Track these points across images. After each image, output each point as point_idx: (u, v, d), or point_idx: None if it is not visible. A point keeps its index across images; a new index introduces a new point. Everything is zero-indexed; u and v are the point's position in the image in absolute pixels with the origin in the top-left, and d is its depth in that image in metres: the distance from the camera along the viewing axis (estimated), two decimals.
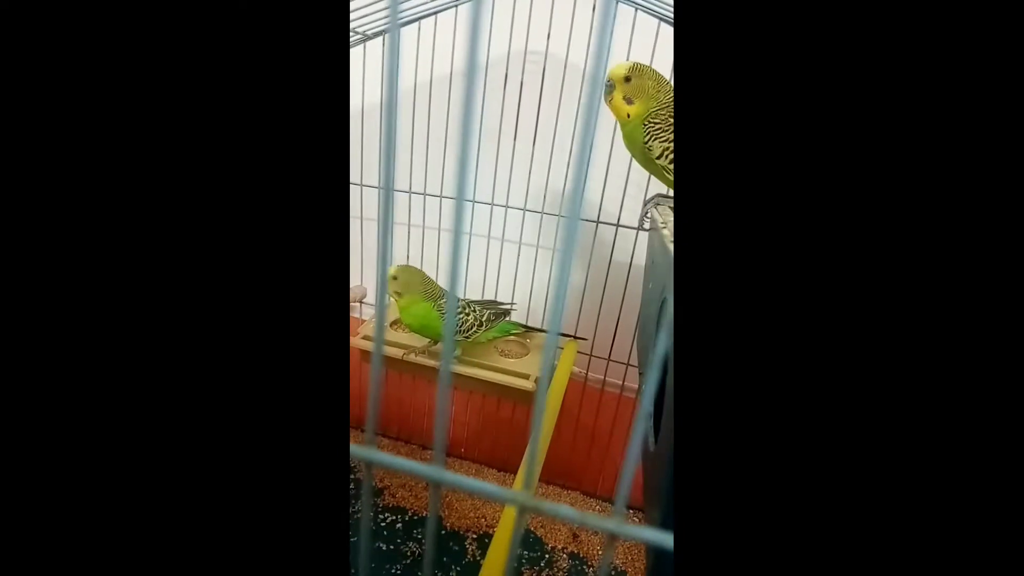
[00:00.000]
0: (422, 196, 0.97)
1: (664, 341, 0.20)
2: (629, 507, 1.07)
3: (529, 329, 0.91)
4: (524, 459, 0.66)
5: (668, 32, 0.75)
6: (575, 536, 0.99)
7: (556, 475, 1.11)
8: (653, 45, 0.77)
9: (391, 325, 0.93)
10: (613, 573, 0.94)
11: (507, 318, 0.88)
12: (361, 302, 1.08)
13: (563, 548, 0.97)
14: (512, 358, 0.88)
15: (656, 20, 0.77)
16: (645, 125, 0.60)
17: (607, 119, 0.83)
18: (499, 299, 0.93)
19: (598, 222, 0.90)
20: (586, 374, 0.99)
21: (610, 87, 0.60)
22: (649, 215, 0.67)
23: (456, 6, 0.83)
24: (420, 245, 1.02)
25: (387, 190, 0.18)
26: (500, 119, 0.89)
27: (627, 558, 0.97)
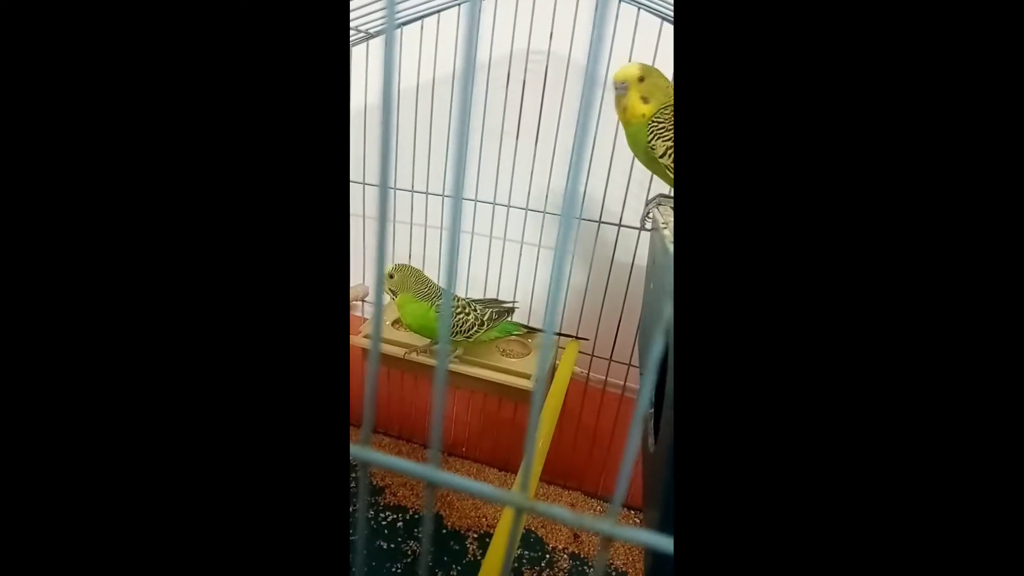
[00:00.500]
0: (424, 195, 0.97)
1: (661, 342, 0.20)
2: (629, 507, 1.07)
3: (531, 329, 0.91)
4: (522, 460, 0.66)
5: (670, 31, 0.75)
6: (576, 536, 0.99)
7: (557, 475, 1.11)
8: (655, 45, 0.77)
9: (393, 324, 0.93)
10: (613, 574, 0.94)
11: (509, 318, 0.88)
12: (363, 301, 1.08)
13: (564, 548, 0.96)
14: (513, 358, 0.88)
15: (659, 20, 0.76)
16: (650, 125, 0.60)
17: (609, 119, 0.83)
18: (501, 298, 0.93)
19: (600, 222, 0.89)
20: (587, 374, 0.99)
21: (624, 88, 0.60)
22: (651, 215, 0.67)
23: (459, 5, 0.83)
24: (423, 244, 1.02)
25: (383, 188, 0.17)
26: (502, 118, 0.89)
27: (627, 559, 0.97)
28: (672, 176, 0.62)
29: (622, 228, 0.88)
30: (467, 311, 0.81)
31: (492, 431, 1.13)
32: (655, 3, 0.73)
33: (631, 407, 0.98)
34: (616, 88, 0.61)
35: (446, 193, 0.95)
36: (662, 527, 0.49)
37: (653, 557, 0.53)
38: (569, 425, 1.03)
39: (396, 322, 0.92)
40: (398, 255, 1.03)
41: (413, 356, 0.83)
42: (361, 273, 1.07)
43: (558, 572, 0.92)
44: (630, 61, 0.78)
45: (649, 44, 0.77)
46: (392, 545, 0.94)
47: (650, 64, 0.63)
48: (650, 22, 0.77)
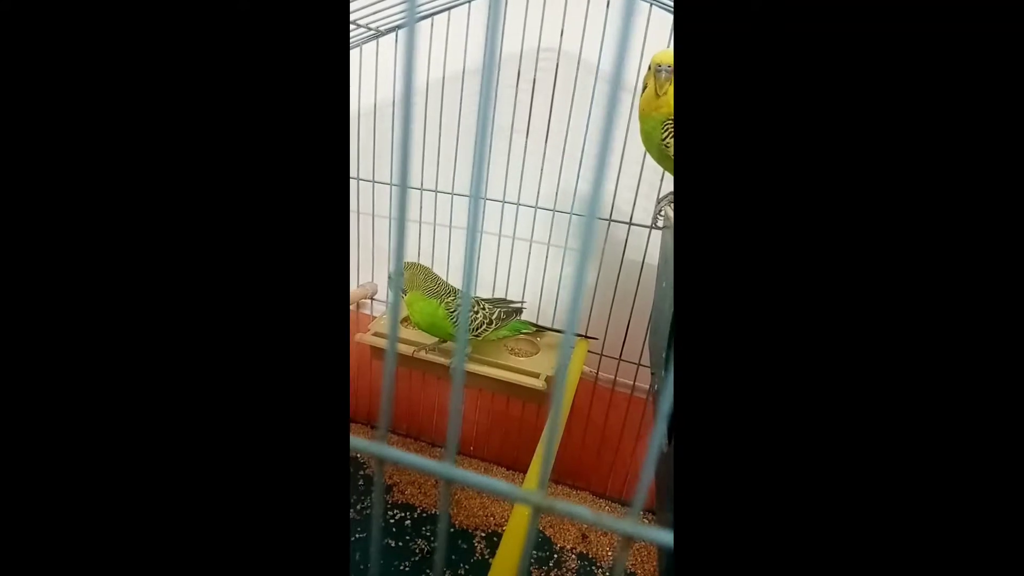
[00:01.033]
0: (433, 193, 0.97)
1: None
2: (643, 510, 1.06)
3: (540, 328, 0.91)
4: (537, 457, 0.66)
5: None
6: (584, 536, 0.99)
7: (565, 475, 1.11)
8: (668, 41, 0.76)
9: (402, 322, 0.93)
10: (625, 575, 0.93)
11: (518, 316, 0.88)
12: (372, 299, 1.09)
13: (572, 548, 0.96)
14: (522, 356, 0.88)
15: (670, 15, 0.76)
16: (665, 123, 0.60)
17: (620, 117, 0.83)
18: (510, 297, 0.93)
19: (611, 220, 0.89)
20: (596, 373, 0.99)
21: (668, 71, 0.58)
22: (663, 213, 0.67)
23: (469, 2, 0.83)
24: (431, 242, 1.02)
25: (402, 187, 0.17)
26: (512, 116, 0.89)
27: (637, 559, 0.96)
28: None
29: (632, 227, 0.88)
30: (476, 309, 0.81)
31: (500, 430, 1.13)
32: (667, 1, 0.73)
33: (640, 407, 0.98)
34: (659, 71, 0.59)
35: (456, 191, 0.95)
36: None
37: (668, 558, 0.53)
38: (578, 425, 1.02)
39: (404, 320, 0.92)
40: (406, 253, 1.03)
41: (422, 354, 0.83)
42: (371, 271, 1.07)
43: (566, 572, 0.92)
44: (642, 58, 0.78)
45: (661, 41, 0.77)
46: (400, 543, 0.94)
47: None
48: (663, 18, 0.77)
